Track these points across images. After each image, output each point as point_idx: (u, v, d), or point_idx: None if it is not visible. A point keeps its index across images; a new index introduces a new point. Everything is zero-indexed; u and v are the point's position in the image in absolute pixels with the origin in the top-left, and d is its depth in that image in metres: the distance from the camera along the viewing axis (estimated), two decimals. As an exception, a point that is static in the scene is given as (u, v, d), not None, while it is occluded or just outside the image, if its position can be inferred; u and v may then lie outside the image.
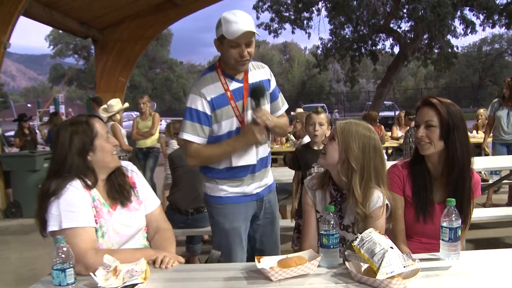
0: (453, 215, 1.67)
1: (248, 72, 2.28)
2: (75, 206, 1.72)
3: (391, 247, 1.44)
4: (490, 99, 33.12)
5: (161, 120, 7.60)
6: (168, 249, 1.89)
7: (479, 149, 6.22)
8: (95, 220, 1.77)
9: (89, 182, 1.80)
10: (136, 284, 1.47)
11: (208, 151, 2.25)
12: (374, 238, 1.48)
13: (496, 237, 4.69)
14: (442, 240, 1.69)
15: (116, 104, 6.07)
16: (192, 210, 3.76)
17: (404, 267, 1.41)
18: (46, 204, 1.72)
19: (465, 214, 1.93)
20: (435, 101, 1.95)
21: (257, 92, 2.20)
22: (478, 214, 3.89)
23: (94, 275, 1.49)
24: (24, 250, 4.93)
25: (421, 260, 1.61)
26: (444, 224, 1.68)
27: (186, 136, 2.23)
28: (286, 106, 2.49)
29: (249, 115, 2.24)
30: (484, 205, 5.78)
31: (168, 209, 3.86)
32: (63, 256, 1.44)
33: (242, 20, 2.08)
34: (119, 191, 1.88)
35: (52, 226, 1.69)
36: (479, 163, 3.95)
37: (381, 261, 1.41)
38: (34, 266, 4.35)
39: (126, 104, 6.65)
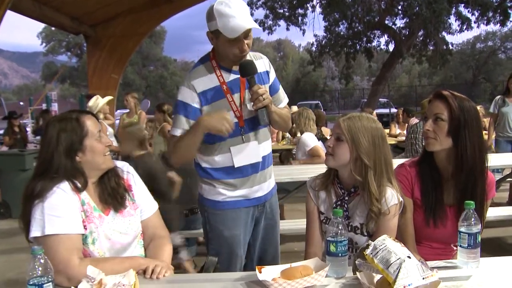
0: (472, 219, 1.53)
1: None
2: (60, 211, 1.57)
3: (408, 257, 1.30)
4: (483, 96, 33.26)
5: None
6: (162, 258, 1.73)
7: None
8: (84, 226, 1.62)
9: (78, 185, 1.65)
10: (124, 299, 1.32)
11: (179, 143, 2.01)
12: (389, 246, 1.33)
13: (499, 237, 4.58)
14: (461, 246, 1.55)
15: (93, 104, 5.73)
16: (187, 211, 3.62)
17: (423, 278, 1.27)
18: (30, 207, 1.58)
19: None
20: (447, 93, 1.82)
21: (246, 68, 1.96)
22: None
23: (77, 289, 1.34)
24: (12, 252, 4.72)
25: (437, 268, 1.48)
26: (462, 229, 1.54)
27: (171, 130, 2.07)
28: (287, 99, 2.31)
29: (248, 107, 2.05)
30: None
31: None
32: (40, 269, 1.28)
33: (240, 14, 1.86)
34: (112, 195, 1.72)
35: (35, 232, 1.55)
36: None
37: (398, 272, 1.26)
38: (23, 270, 4.10)
39: (108, 98, 6.33)
